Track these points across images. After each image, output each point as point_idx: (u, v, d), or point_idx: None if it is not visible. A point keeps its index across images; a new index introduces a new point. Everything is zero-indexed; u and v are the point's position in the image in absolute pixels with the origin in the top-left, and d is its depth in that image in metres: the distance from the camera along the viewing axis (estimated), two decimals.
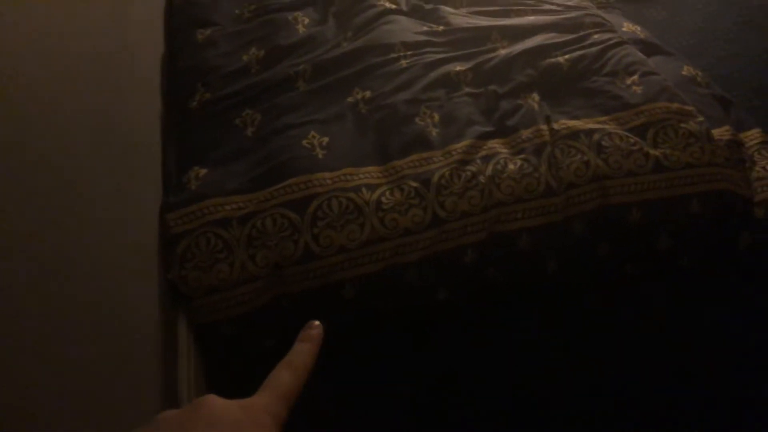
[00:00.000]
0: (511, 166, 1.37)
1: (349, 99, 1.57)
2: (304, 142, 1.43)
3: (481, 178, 1.35)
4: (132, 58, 1.44)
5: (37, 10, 0.95)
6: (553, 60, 1.63)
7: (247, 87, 1.60)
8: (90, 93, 1.10)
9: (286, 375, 0.40)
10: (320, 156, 1.40)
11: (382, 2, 1.89)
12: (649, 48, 1.88)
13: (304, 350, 0.43)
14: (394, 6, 1.88)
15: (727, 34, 2.22)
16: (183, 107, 1.59)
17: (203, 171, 1.40)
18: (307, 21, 1.83)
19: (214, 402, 0.36)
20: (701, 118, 1.47)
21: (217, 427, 0.34)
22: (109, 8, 1.35)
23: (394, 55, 1.68)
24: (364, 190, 1.33)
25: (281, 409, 0.38)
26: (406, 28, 1.78)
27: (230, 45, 1.73)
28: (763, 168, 1.54)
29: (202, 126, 1.53)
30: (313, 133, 1.46)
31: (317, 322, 0.45)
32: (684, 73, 1.78)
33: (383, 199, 1.32)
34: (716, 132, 1.52)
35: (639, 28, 1.99)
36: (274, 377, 0.40)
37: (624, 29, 1.97)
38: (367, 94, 1.57)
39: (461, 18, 1.84)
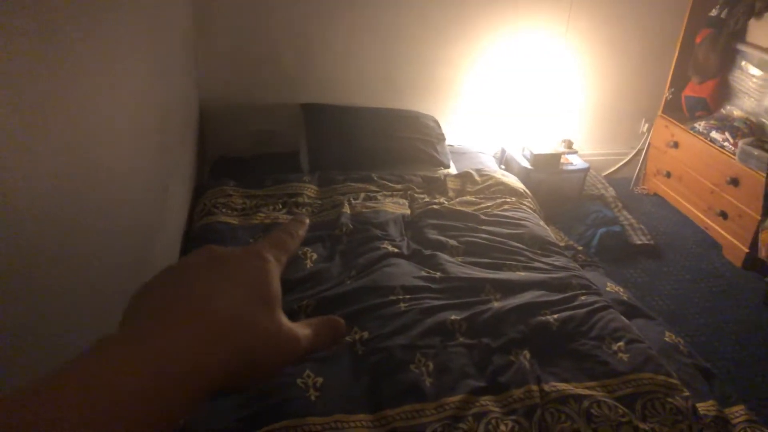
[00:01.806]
0: (502, 428, 1.37)
1: (348, 339, 1.62)
2: (299, 381, 1.44)
3: None
4: None
5: None
6: (543, 318, 1.72)
7: None
8: None
9: (282, 233, 0.43)
10: (313, 398, 1.41)
11: (385, 245, 2.05)
12: (632, 310, 1.99)
13: (297, 220, 0.45)
14: (396, 249, 2.04)
15: (705, 303, 2.37)
16: None
17: None
18: (315, 257, 1.96)
19: (214, 246, 0.38)
20: (687, 393, 1.51)
21: (220, 260, 0.36)
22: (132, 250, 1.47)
23: (394, 298, 1.77)
24: None
25: (280, 255, 0.40)
26: (407, 272, 1.90)
27: None
28: None
29: None
30: (308, 372, 1.48)
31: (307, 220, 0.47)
32: (667, 339, 1.87)
33: None
34: (701, 407, 1.55)
35: (622, 290, 2.14)
36: (270, 235, 0.42)
37: (608, 289, 2.11)
38: (365, 334, 1.63)
39: (457, 267, 1.98)
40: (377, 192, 2.44)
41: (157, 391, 0.27)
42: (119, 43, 1.37)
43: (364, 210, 2.26)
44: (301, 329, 0.37)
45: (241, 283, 0.35)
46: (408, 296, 1.78)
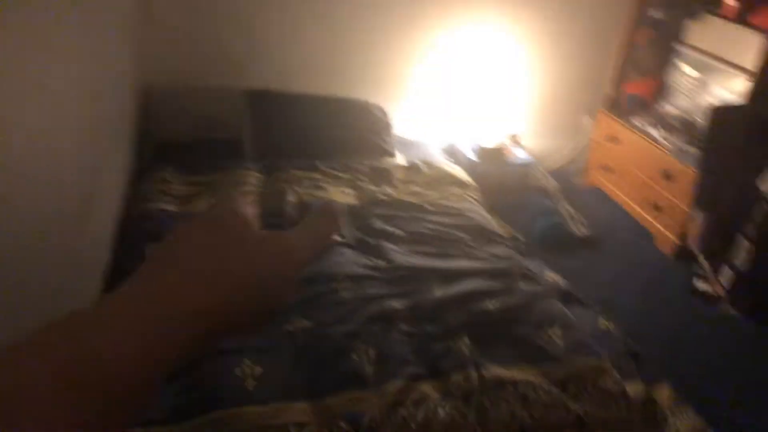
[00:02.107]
0: (441, 413, 1.39)
1: (288, 327, 1.60)
2: (236, 370, 1.42)
3: (413, 424, 1.35)
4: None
5: None
6: (483, 306, 1.75)
7: None
8: None
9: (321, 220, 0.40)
10: (250, 387, 1.38)
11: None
12: (569, 298, 2.05)
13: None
14: (341, 239, 2.03)
15: (637, 290, 2.47)
16: None
17: None
18: None
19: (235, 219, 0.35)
20: (617, 376, 1.57)
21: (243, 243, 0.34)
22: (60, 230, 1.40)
23: (336, 286, 1.76)
24: (291, 428, 1.30)
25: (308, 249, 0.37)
26: (351, 261, 1.90)
27: None
28: (675, 427, 1.62)
29: None
30: (246, 361, 1.45)
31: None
32: (600, 325, 1.93)
33: None
34: (631, 388, 1.61)
35: (560, 278, 2.20)
36: (305, 221, 0.39)
37: (547, 278, 2.17)
38: (306, 323, 1.62)
39: (402, 256, 1.99)
40: (322, 180, 2.42)
41: (157, 334, 0.27)
42: (44, 21, 1.29)
43: (309, 198, 2.24)
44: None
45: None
46: (351, 285, 1.78)
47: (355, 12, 2.85)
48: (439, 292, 1.81)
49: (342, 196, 2.33)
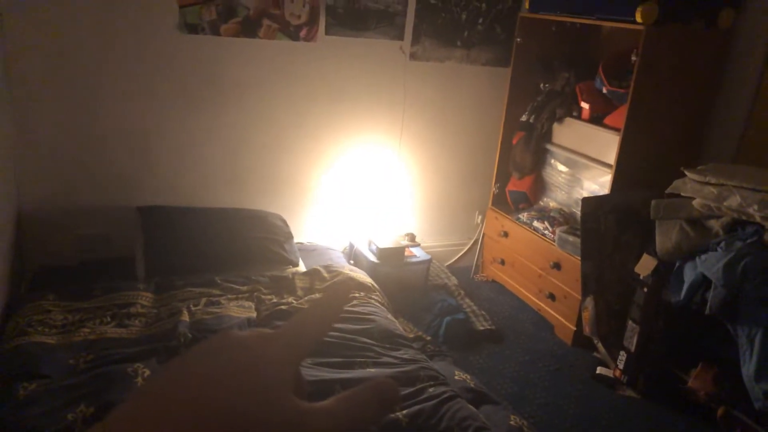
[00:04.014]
0: None
1: None
2: None
3: None
4: None
5: None
6: (392, 416, 1.70)
7: None
8: None
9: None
10: None
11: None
12: (479, 397, 2.05)
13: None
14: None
15: (543, 382, 2.53)
16: None
17: None
18: (147, 373, 1.79)
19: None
20: None
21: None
22: None
23: None
24: None
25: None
26: None
27: (56, 402, 1.60)
28: None
29: None
30: None
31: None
32: (512, 423, 1.93)
33: None
34: None
35: (469, 377, 2.21)
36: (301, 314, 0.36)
37: (456, 377, 2.16)
38: None
39: (306, 369, 1.90)
40: (221, 296, 2.33)
41: None
42: None
43: (205, 317, 2.14)
44: (325, 404, 0.32)
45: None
46: None
47: (250, 124, 2.91)
48: None
49: (241, 310, 2.24)
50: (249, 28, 2.75)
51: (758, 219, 2.11)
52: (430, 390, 1.87)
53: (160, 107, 2.71)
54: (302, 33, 2.86)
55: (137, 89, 2.65)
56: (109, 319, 2.08)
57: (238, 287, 2.43)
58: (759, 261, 2.04)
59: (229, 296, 2.34)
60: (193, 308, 2.18)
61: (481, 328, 2.90)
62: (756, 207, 2.12)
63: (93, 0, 2.45)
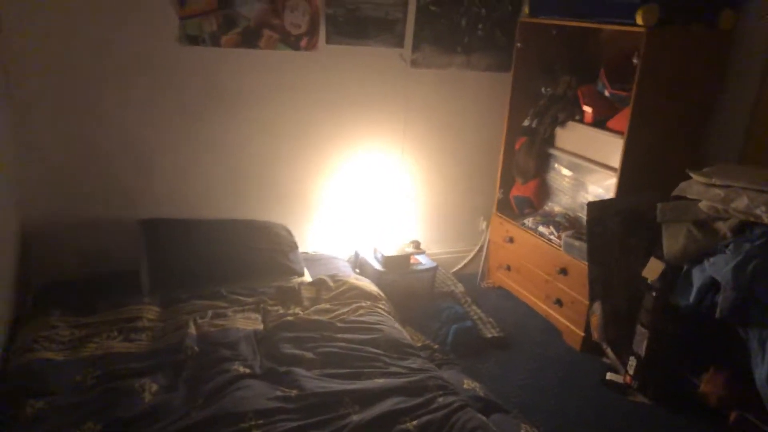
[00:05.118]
0: None
1: None
2: None
3: None
4: None
5: None
6: (402, 427, 1.68)
7: None
8: None
9: None
10: None
11: (236, 366, 1.92)
12: (488, 406, 2.03)
13: None
14: (248, 370, 1.91)
15: (553, 389, 2.50)
16: None
17: None
18: (155, 388, 1.77)
19: None
20: None
21: None
22: None
23: (245, 425, 1.63)
24: None
25: None
26: (259, 395, 1.78)
27: (63, 419, 1.58)
28: None
29: None
30: None
31: None
32: None
33: None
34: None
35: (478, 386, 2.18)
36: None
37: (465, 386, 2.14)
38: None
39: (314, 382, 1.90)
40: (227, 308, 2.32)
41: None
42: None
43: (211, 329, 2.13)
44: None
45: None
46: (261, 421, 1.66)
47: (252, 135, 2.91)
48: (357, 417, 1.73)
49: (247, 322, 2.23)
50: (250, 39, 2.75)
51: (766, 220, 2.09)
52: (440, 400, 1.85)
53: (161, 119, 2.71)
54: (303, 42, 2.86)
55: (138, 102, 2.64)
56: (116, 333, 2.07)
57: (244, 299, 2.42)
58: None
59: (236, 308, 2.33)
60: (199, 321, 2.17)
61: (489, 335, 2.88)
62: (764, 208, 2.10)
63: (93, 13, 2.45)
